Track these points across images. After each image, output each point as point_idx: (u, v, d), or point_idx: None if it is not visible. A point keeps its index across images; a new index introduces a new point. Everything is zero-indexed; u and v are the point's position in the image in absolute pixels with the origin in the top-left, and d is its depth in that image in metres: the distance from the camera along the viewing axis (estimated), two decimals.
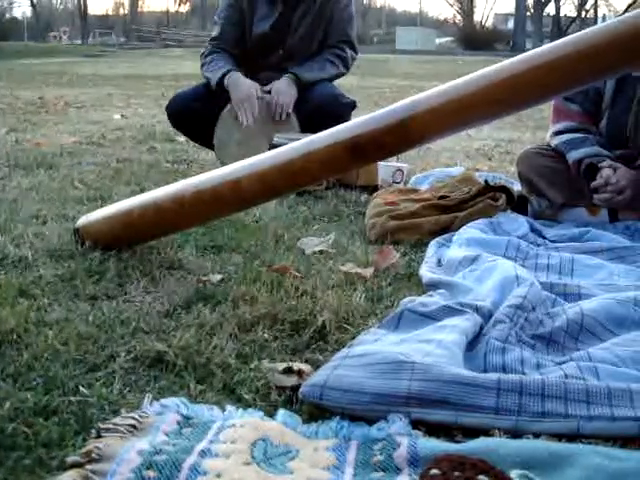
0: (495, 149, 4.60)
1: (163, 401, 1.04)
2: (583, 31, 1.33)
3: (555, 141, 2.45)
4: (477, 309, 1.35)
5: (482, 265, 1.63)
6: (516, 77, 1.25)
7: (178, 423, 1.00)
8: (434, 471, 0.81)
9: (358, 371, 1.07)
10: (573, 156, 2.37)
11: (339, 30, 3.22)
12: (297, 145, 1.34)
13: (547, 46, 1.33)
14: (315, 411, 1.07)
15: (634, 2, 2.43)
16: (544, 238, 2.14)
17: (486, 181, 2.31)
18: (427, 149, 4.25)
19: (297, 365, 1.21)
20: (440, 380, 1.01)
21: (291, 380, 1.15)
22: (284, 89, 3.06)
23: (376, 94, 9.38)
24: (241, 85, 3.05)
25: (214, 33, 3.32)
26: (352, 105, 3.12)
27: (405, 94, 1.42)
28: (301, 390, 1.08)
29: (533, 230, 2.16)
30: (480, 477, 0.79)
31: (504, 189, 2.27)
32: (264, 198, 1.45)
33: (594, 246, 2.01)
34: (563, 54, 1.26)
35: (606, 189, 2.28)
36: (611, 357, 1.22)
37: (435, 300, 1.40)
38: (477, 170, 3.52)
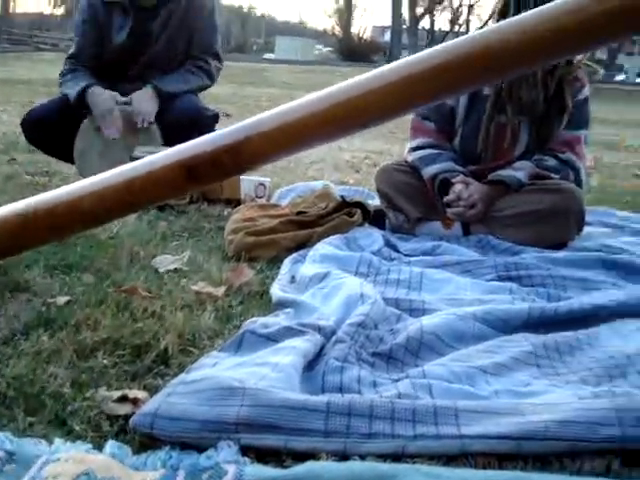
0: (364, 161, 4.68)
1: None
2: (426, 51, 1.35)
3: (412, 157, 2.52)
4: (319, 329, 1.36)
5: (330, 283, 1.66)
6: (355, 98, 1.27)
7: (0, 460, 0.95)
8: None
9: (190, 398, 1.05)
10: (428, 172, 2.45)
11: (203, 41, 3.20)
12: (137, 164, 1.31)
13: (387, 67, 1.35)
14: (147, 441, 1.05)
15: (491, 17, 2.53)
16: (399, 252, 2.19)
17: (342, 197, 2.34)
18: (296, 161, 4.28)
19: (133, 393, 1.18)
20: (269, 405, 1.01)
21: (125, 409, 1.12)
22: (145, 99, 3.00)
23: (253, 103, 9.39)
24: (102, 98, 2.98)
25: (71, 51, 3.24)
26: (215, 118, 3.10)
27: (282, 103, 1.43)
28: (132, 419, 1.06)
29: (388, 244, 2.21)
30: None
31: (360, 205, 2.31)
32: (106, 219, 1.41)
33: (445, 260, 2.07)
34: (405, 74, 1.28)
35: (459, 203, 2.36)
36: (446, 373, 1.25)
37: (277, 321, 1.40)
38: (343, 183, 3.58)
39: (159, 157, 1.23)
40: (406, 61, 1.30)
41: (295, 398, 1.04)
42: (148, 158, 1.29)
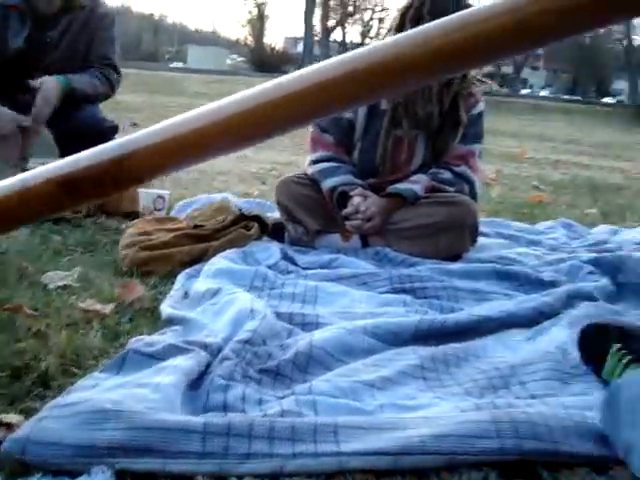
0: (271, 173, 4.68)
1: None
2: (327, 61, 1.34)
3: (311, 170, 2.53)
4: (206, 346, 1.34)
5: (222, 299, 1.64)
6: (256, 108, 1.25)
7: None
8: None
9: (63, 422, 1.02)
10: (327, 184, 2.46)
11: (101, 51, 3.14)
12: (16, 179, 1.26)
13: (288, 76, 1.33)
14: (18, 467, 1.01)
15: (388, 32, 2.56)
16: (296, 265, 2.19)
17: (240, 210, 2.33)
18: (201, 173, 4.24)
19: (8, 417, 1.13)
20: (145, 427, 0.99)
21: None
22: (49, 94, 2.91)
23: (162, 112, 9.25)
24: (3, 118, 2.87)
25: None
26: (114, 130, 3.04)
27: None
28: (2, 445, 1.02)
29: (286, 258, 2.20)
30: None
31: (257, 218, 2.30)
32: None
33: (341, 272, 2.08)
34: (305, 85, 1.27)
35: (357, 216, 2.38)
36: (332, 389, 1.25)
37: (163, 338, 1.38)
38: (247, 195, 3.57)
39: (39, 171, 1.19)
40: (306, 71, 1.29)
41: (172, 420, 1.02)
42: (29, 172, 1.25)
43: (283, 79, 1.36)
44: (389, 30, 2.47)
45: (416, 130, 2.46)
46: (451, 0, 2.34)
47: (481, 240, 2.67)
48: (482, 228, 2.92)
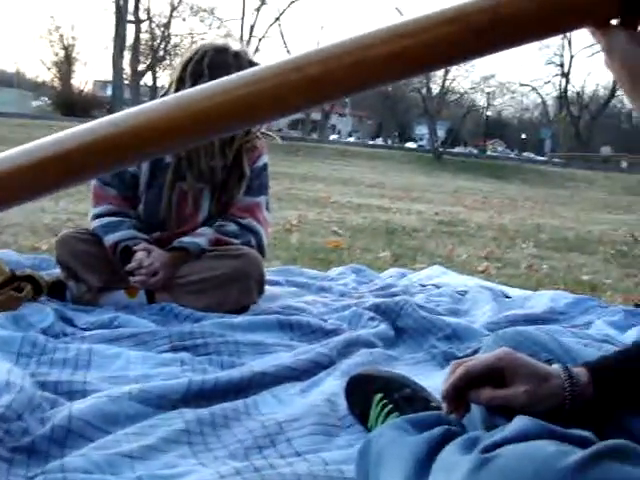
0: (66, 224, 4.49)
1: None
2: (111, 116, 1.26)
3: (94, 224, 2.45)
4: None
5: None
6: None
7: None
8: None
9: None
10: (110, 239, 2.40)
11: None
12: None
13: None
14: None
15: (170, 86, 2.52)
16: (75, 326, 2.09)
17: (12, 270, 2.20)
18: None
19: None
20: None
21: None
22: None
23: None
24: None
25: None
26: None
27: None
28: None
29: (64, 319, 2.10)
30: None
31: (31, 278, 2.18)
32: None
33: (121, 332, 2.01)
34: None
35: (140, 271, 2.33)
36: (86, 464, 1.19)
37: None
38: (35, 249, 3.39)
39: None
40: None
41: None
42: None
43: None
44: (170, 84, 2.46)
45: (200, 183, 2.46)
46: (230, 55, 2.37)
47: (272, 290, 2.70)
48: (274, 277, 2.96)
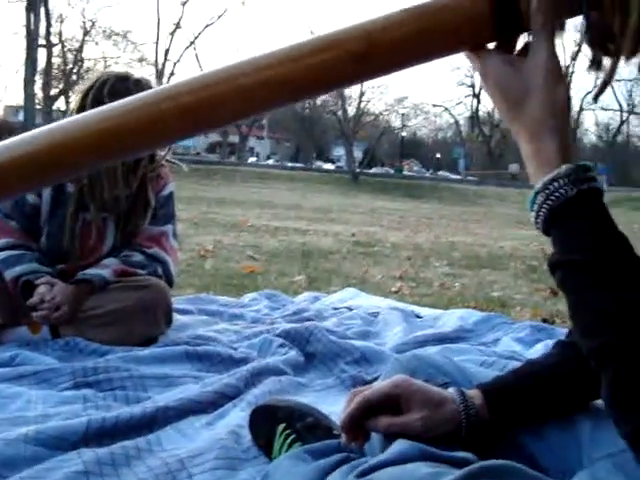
0: None
1: None
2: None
3: None
4: None
5: None
6: None
7: None
8: None
9: None
10: (10, 274, 2.32)
11: None
12: None
13: None
14: None
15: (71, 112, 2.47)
16: None
17: None
18: None
19: None
20: None
21: None
22: None
23: None
24: None
25: None
26: None
27: None
28: None
29: None
30: None
31: None
32: None
33: (22, 370, 1.95)
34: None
35: (43, 306, 2.26)
36: None
37: None
38: None
39: None
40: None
41: None
42: None
43: None
44: (72, 111, 2.42)
45: (104, 213, 2.41)
46: (132, 82, 2.35)
47: (182, 319, 2.66)
48: (185, 306, 2.92)
